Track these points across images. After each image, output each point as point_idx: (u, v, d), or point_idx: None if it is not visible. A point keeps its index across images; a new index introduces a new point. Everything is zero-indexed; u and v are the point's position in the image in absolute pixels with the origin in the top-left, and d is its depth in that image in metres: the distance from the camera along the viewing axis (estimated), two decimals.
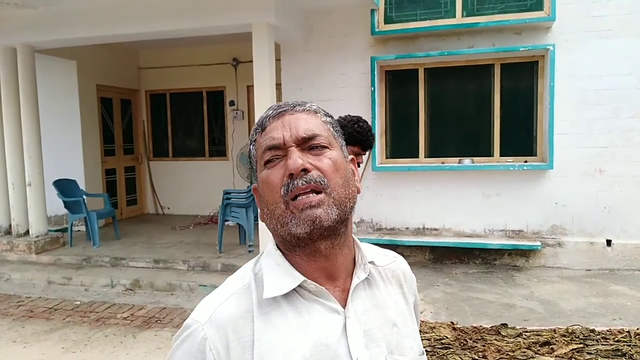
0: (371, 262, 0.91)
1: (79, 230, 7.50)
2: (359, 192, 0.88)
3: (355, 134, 2.49)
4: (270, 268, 0.85)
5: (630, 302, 4.44)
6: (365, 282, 0.89)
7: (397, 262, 1.00)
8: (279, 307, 0.81)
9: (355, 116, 2.58)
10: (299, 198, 0.79)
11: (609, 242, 5.64)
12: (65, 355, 3.82)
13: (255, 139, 0.88)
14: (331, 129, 0.88)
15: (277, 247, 0.88)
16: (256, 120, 0.91)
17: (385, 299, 0.92)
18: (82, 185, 7.37)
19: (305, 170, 0.80)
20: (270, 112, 0.87)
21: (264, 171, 0.84)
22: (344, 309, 0.84)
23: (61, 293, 5.35)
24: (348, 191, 0.84)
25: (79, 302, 5.05)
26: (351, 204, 0.84)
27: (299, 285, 0.82)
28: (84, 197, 6.87)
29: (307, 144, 0.83)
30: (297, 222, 0.79)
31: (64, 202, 6.74)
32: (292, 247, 0.84)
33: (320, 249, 0.82)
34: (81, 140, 7.73)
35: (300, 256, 0.84)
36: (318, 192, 0.80)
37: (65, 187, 6.85)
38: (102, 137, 8.30)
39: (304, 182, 0.79)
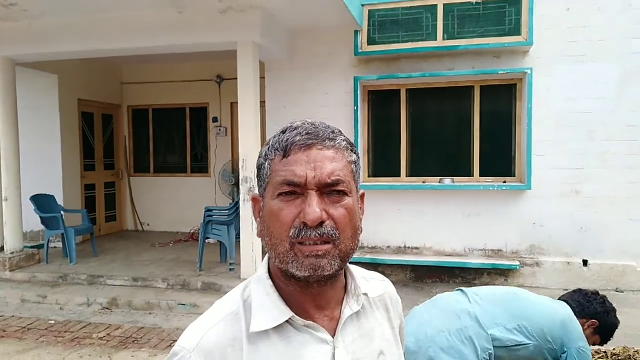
0: (365, 294, 0.91)
1: (55, 247, 7.35)
2: (360, 231, 0.86)
3: (613, 331, 2.38)
4: (259, 297, 0.84)
5: None
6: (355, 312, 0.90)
7: (386, 287, 1.00)
8: (268, 337, 0.81)
9: (602, 299, 2.39)
10: (306, 243, 0.78)
11: (585, 262, 5.74)
12: None
13: (273, 159, 0.82)
14: (353, 170, 0.85)
15: (269, 271, 0.87)
16: (268, 138, 0.86)
17: (373, 327, 0.92)
18: (60, 201, 7.24)
19: (321, 222, 0.78)
20: (297, 138, 0.81)
21: (275, 202, 0.80)
22: (333, 337, 0.84)
23: (35, 312, 5.22)
24: (354, 242, 0.83)
25: (53, 321, 4.93)
26: (353, 254, 0.83)
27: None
28: (62, 212, 6.75)
29: (328, 188, 0.80)
30: (299, 266, 0.79)
31: (40, 217, 6.61)
32: (287, 277, 0.83)
33: (313, 287, 0.83)
34: (61, 155, 7.63)
35: (294, 286, 0.83)
36: (326, 242, 0.79)
37: (42, 202, 6.73)
38: (83, 151, 8.20)
39: (317, 235, 0.78)
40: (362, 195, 0.90)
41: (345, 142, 0.84)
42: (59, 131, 7.61)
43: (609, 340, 2.42)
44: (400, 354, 0.96)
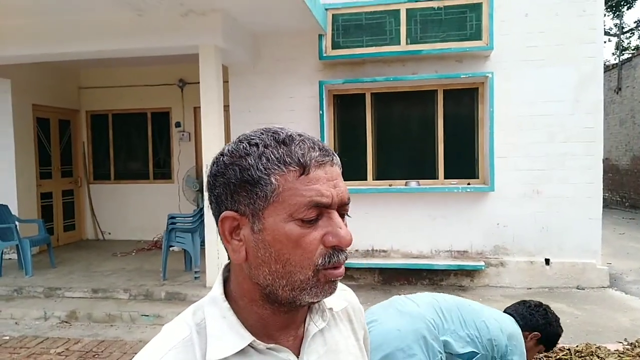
0: (330, 309, 0.87)
1: (9, 259, 7.02)
2: None
3: (557, 339, 2.48)
4: (215, 320, 0.76)
5: (569, 319, 4.62)
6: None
7: (350, 301, 0.96)
8: None
9: (540, 305, 2.50)
10: (332, 271, 0.74)
11: (547, 261, 5.88)
12: None
13: (284, 175, 0.72)
14: None
15: (225, 294, 0.79)
16: (235, 145, 0.76)
17: (338, 341, 0.88)
18: (14, 211, 6.93)
19: None
20: (314, 153, 0.74)
21: (294, 226, 0.72)
22: (298, 357, 0.80)
23: None
24: None
25: (7, 337, 4.68)
26: None
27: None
28: (16, 223, 6.45)
29: (342, 208, 0.76)
30: (318, 292, 0.74)
31: None
32: (265, 302, 0.77)
33: (293, 310, 0.79)
34: (14, 163, 7.30)
35: (266, 309, 0.78)
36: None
37: None
38: (38, 159, 7.87)
39: (345, 257, 0.75)
40: None
41: (338, 158, 0.80)
42: (12, 138, 7.28)
43: (553, 347, 2.54)
44: None
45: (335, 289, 0.76)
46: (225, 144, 0.79)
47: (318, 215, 0.72)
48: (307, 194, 0.71)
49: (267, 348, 0.77)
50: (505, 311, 2.48)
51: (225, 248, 0.77)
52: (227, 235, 0.76)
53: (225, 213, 0.75)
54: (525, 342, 2.32)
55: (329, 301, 0.85)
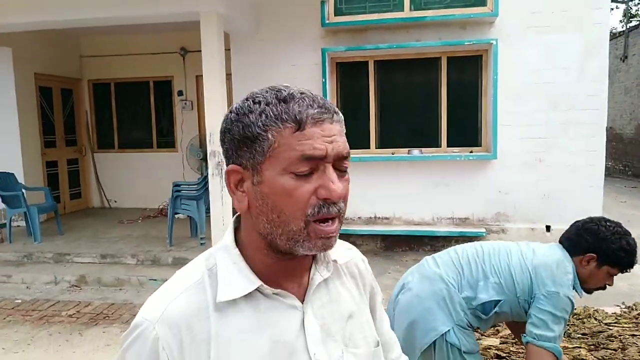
0: (334, 261, 0.91)
1: (18, 226, 7.13)
2: None
3: (623, 255, 2.04)
4: (226, 265, 0.82)
5: None
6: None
7: (353, 256, 1.00)
8: (236, 305, 0.79)
9: (618, 226, 2.13)
10: (323, 224, 0.77)
11: (548, 228, 5.95)
12: (6, 356, 3.65)
13: (280, 131, 0.76)
14: None
15: (235, 241, 0.85)
16: (241, 104, 0.80)
17: (341, 292, 0.92)
18: (20, 179, 7.00)
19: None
20: (311, 110, 0.76)
21: (286, 178, 0.75)
22: (302, 303, 0.84)
23: (0, 292, 5.09)
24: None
25: (20, 301, 4.82)
26: None
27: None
28: (23, 190, 6.54)
29: (340, 163, 0.79)
30: (310, 246, 0.78)
31: (1, 196, 6.39)
32: (269, 250, 0.81)
33: (296, 259, 0.83)
34: (19, 132, 7.33)
35: (271, 257, 0.82)
36: (336, 219, 0.79)
37: (1, 180, 6.49)
38: (42, 128, 7.90)
39: (336, 211, 0.77)
40: None
41: (341, 115, 0.82)
42: (15, 107, 7.29)
43: (631, 264, 2.08)
44: (370, 320, 0.97)
45: (329, 246, 0.79)
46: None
47: (312, 169, 0.76)
48: (300, 149, 0.75)
49: (274, 293, 0.82)
50: (560, 239, 2.22)
51: (232, 198, 0.83)
52: (233, 187, 0.81)
53: (230, 166, 0.81)
54: (581, 267, 2.08)
55: (333, 254, 0.89)
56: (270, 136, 0.76)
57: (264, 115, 0.76)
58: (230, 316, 0.78)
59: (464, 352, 2.07)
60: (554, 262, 2.07)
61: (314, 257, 0.88)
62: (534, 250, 2.16)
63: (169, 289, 0.81)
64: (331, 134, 0.77)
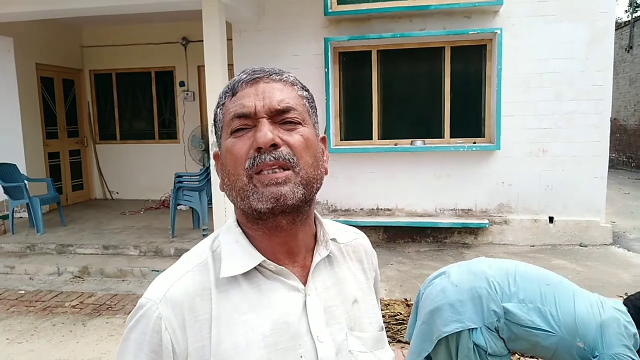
0: (333, 240, 0.89)
1: (21, 217, 7.15)
2: (326, 173, 0.86)
3: None
4: (229, 245, 0.82)
5: (570, 275, 4.70)
6: (326, 259, 0.88)
7: (359, 239, 1.00)
8: (238, 285, 0.79)
9: None
10: (263, 173, 0.76)
11: (551, 219, 5.93)
12: (10, 346, 3.66)
13: (224, 103, 0.83)
14: (307, 104, 0.84)
15: (238, 222, 0.85)
16: (224, 87, 0.85)
17: (346, 275, 0.91)
18: (22, 170, 7.00)
19: (275, 146, 0.77)
20: (244, 76, 0.82)
21: (229, 139, 0.80)
22: (305, 286, 0.83)
23: (3, 282, 5.10)
24: (317, 172, 0.81)
25: (23, 292, 4.83)
26: (318, 185, 0.82)
27: (259, 264, 0.80)
28: (25, 182, 6.53)
29: (279, 117, 0.79)
30: (260, 197, 0.76)
31: (3, 187, 6.39)
32: (253, 220, 0.81)
33: (281, 224, 0.80)
34: (21, 123, 7.32)
35: (262, 230, 0.81)
36: (285, 169, 0.77)
37: (4, 171, 6.49)
38: (44, 119, 7.88)
39: (272, 158, 0.76)
40: (324, 139, 0.89)
41: (293, 78, 0.85)
42: (17, 98, 7.27)
43: None
44: (375, 304, 0.97)
45: (279, 194, 0.76)
46: None
47: (248, 125, 0.79)
48: (232, 110, 0.80)
49: (275, 272, 0.81)
50: (624, 301, 2.14)
51: None
52: (218, 170, 0.86)
53: (214, 151, 0.88)
54: None
55: (331, 232, 0.89)
56: (219, 111, 0.84)
57: (218, 98, 0.85)
58: (232, 297, 0.79)
59: (490, 355, 2.02)
60: (622, 325, 2.01)
61: (315, 238, 0.88)
62: (599, 302, 2.11)
63: (173, 270, 0.83)
64: (265, 92, 0.80)
